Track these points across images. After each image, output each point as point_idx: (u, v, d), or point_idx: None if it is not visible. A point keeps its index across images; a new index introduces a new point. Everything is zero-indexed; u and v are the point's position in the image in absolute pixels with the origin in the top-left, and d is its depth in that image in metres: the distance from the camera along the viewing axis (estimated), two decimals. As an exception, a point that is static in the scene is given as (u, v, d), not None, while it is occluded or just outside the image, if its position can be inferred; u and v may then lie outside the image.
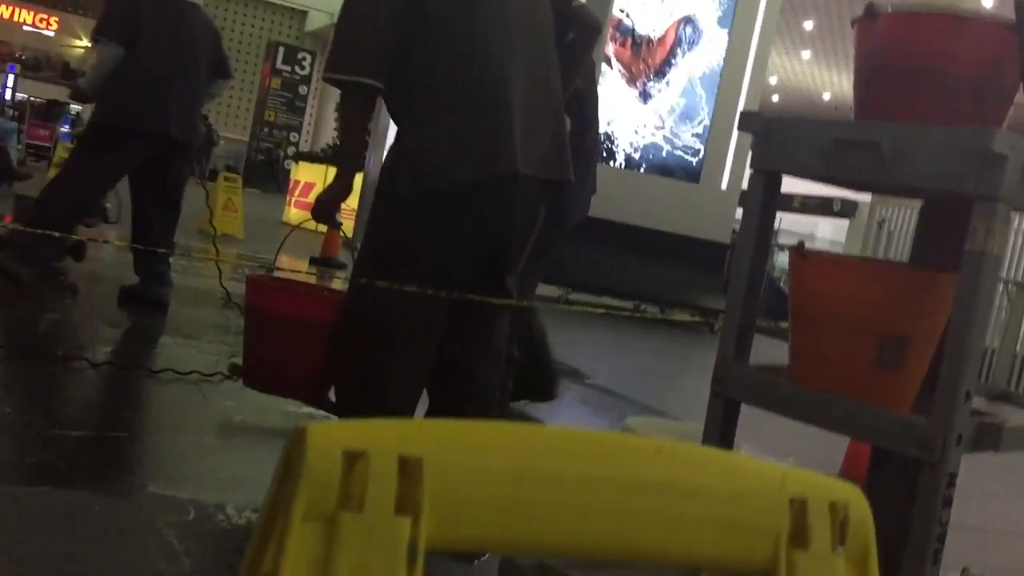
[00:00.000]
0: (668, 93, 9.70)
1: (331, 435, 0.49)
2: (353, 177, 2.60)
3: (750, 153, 2.42)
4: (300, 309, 2.72)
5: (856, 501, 0.57)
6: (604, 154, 9.38)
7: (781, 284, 11.28)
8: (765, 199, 2.43)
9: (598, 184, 4.12)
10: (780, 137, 2.37)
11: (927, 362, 2.32)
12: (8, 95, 18.87)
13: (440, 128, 2.41)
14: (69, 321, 4.81)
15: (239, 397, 3.49)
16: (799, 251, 2.51)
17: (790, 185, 2.97)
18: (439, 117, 2.42)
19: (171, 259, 5.08)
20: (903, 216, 13.25)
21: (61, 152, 10.06)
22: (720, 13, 9.71)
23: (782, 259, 13.32)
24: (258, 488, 2.60)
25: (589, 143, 4.02)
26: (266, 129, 24.58)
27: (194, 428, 3.28)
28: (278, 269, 3.66)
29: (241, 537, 2.30)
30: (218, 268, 4.84)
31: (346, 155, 2.62)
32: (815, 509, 0.55)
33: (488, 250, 2.52)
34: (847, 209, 16.50)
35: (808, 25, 21.79)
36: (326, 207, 2.62)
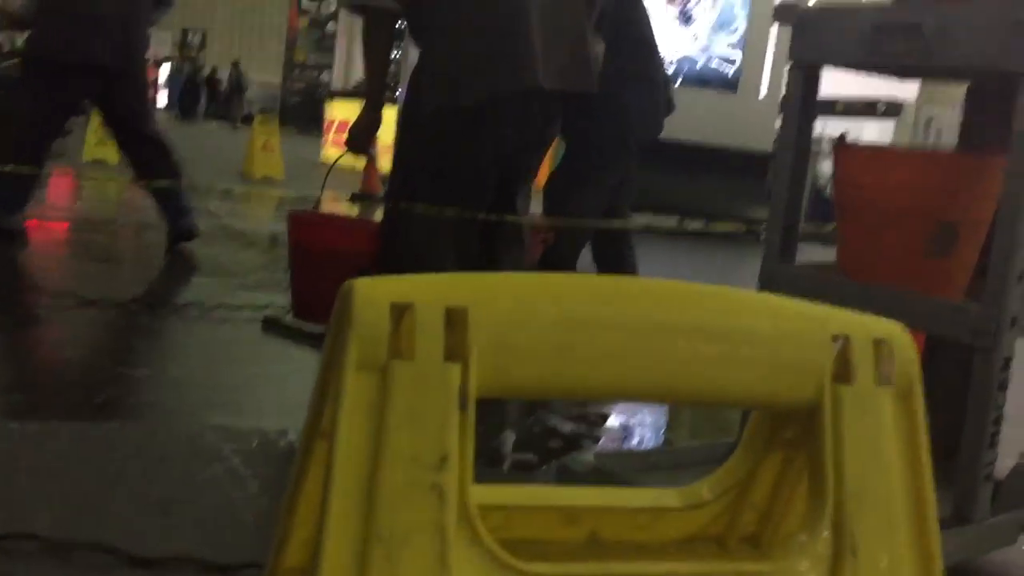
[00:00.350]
0: (704, 5, 9.48)
1: (378, 289, 0.50)
2: (382, 105, 2.60)
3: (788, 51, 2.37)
4: (342, 240, 2.76)
5: (899, 338, 0.57)
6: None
7: (827, 192, 11.10)
8: (806, 94, 2.38)
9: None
10: (818, 27, 2.31)
11: (978, 248, 2.28)
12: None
13: (461, 45, 2.40)
14: (120, 269, 4.91)
15: (291, 332, 3.58)
16: (842, 143, 2.47)
17: (831, 88, 2.91)
18: (459, 34, 2.40)
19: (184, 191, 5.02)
20: (950, 114, 12.92)
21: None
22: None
23: (826, 166, 13.08)
24: (251, 414, 2.68)
25: (651, 68, 4.03)
26: (297, 70, 24.52)
27: (252, 361, 3.35)
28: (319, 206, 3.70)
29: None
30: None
31: (372, 83, 2.62)
32: (858, 346, 0.56)
33: (506, 163, 2.51)
34: (892, 110, 16.07)
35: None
36: (359, 137, 2.63)
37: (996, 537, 2.06)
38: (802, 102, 2.39)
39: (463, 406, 0.49)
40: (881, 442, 0.55)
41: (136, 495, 2.03)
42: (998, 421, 2.04)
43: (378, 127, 2.62)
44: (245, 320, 3.78)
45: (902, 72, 2.55)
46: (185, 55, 30.96)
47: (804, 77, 2.39)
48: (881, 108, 16.13)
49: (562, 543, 0.59)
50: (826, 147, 13.12)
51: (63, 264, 4.92)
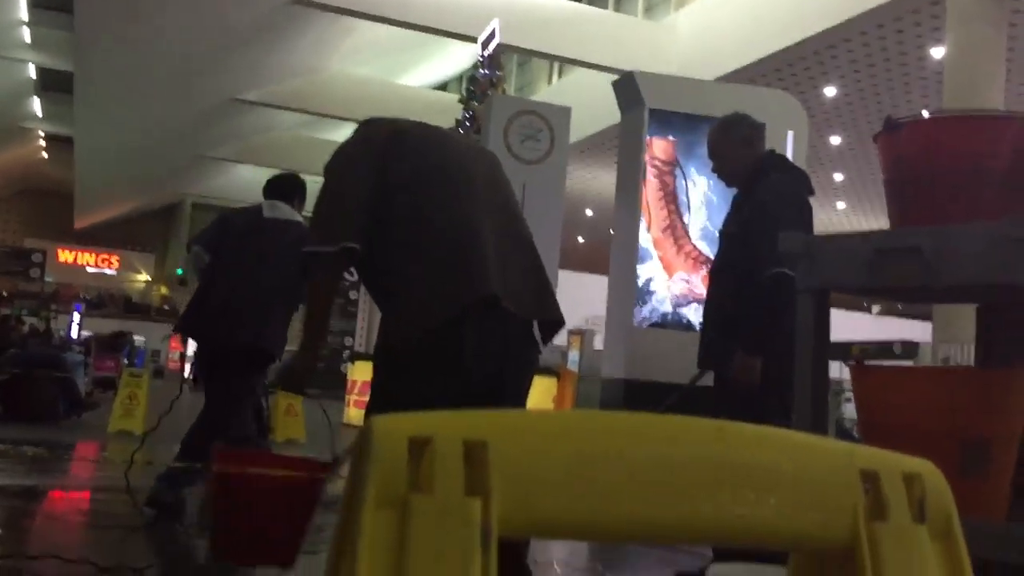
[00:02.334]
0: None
1: (397, 424, 0.50)
2: (320, 349, 2.75)
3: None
4: (264, 476, 2.84)
5: (930, 473, 0.55)
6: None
7: (853, 433, 10.96)
8: (817, 317, 2.42)
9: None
10: (822, 255, 2.39)
11: (1012, 464, 2.23)
12: (75, 332, 19.64)
13: (422, 281, 2.57)
14: (137, 536, 4.82)
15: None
16: (859, 365, 2.48)
17: (847, 333, 2.97)
18: (421, 273, 2.58)
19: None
20: (967, 352, 12.99)
21: (126, 380, 10.34)
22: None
23: (849, 409, 13.00)
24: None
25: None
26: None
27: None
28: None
29: None
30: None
31: (317, 326, 2.76)
32: (888, 482, 0.54)
33: (484, 386, 2.58)
34: (908, 351, 16.19)
35: (838, 177, 22.26)
36: (295, 378, 2.78)
37: None
38: (815, 326, 2.43)
39: (485, 542, 0.48)
40: (925, 581, 0.52)
41: None
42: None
43: (314, 370, 2.75)
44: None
45: (907, 297, 2.60)
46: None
47: (814, 302, 2.44)
48: (897, 349, 16.27)
49: None
50: (847, 387, 13.09)
51: (81, 532, 4.84)
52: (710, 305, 4.43)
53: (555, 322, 2.78)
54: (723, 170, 4.33)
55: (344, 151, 2.75)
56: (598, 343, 15.79)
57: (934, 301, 3.35)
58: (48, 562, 3.68)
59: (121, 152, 28.58)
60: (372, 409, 2.71)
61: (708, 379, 4.54)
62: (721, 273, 4.31)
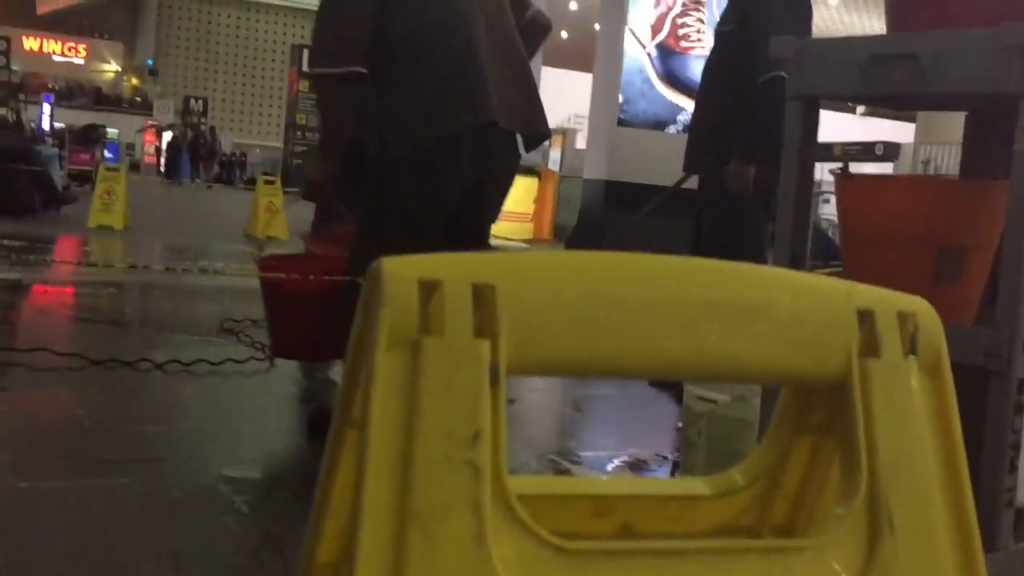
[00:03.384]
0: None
1: (406, 267, 0.50)
2: (339, 156, 2.78)
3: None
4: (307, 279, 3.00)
5: (923, 311, 0.57)
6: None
7: (829, 234, 11.13)
8: (805, 127, 2.40)
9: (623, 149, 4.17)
10: (815, 60, 2.34)
11: (986, 272, 2.28)
12: (46, 124, 19.21)
13: (421, 90, 2.59)
14: (126, 331, 4.92)
15: (293, 381, 3.62)
16: (845, 174, 2.48)
17: (828, 134, 2.96)
18: (419, 81, 2.59)
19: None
20: (948, 153, 13.01)
21: (103, 175, 10.22)
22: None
23: (827, 209, 13.13)
24: (254, 462, 2.67)
25: None
26: (299, 133, 24.79)
27: (261, 414, 3.35)
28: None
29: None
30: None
31: (333, 137, 2.81)
32: (883, 320, 0.56)
33: (471, 200, 2.68)
34: (890, 152, 16.19)
35: (832, -31, 21.48)
36: (319, 187, 2.87)
37: (1020, 565, 2.02)
38: (802, 134, 2.41)
39: (494, 382, 0.49)
40: (912, 415, 0.55)
41: (148, 549, 2.01)
42: (1016, 446, 2.02)
43: (333, 176, 2.82)
44: (252, 372, 3.79)
45: (900, 103, 2.58)
46: (187, 122, 31.32)
47: (803, 109, 2.41)
48: (879, 150, 16.25)
49: (594, 534, 0.59)
50: (826, 188, 13.20)
51: (70, 326, 4.92)
52: (701, 107, 4.35)
53: (541, 136, 2.84)
54: None
55: None
56: (580, 142, 15.66)
57: (926, 108, 3.33)
58: (40, 355, 3.77)
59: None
60: (364, 216, 2.77)
61: (692, 182, 4.54)
62: (714, 74, 4.20)
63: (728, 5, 4.20)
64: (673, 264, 0.54)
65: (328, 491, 0.55)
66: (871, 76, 2.23)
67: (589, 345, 0.52)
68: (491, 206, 2.83)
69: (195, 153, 28.36)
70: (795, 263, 2.44)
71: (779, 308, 0.55)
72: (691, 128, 4.64)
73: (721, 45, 4.17)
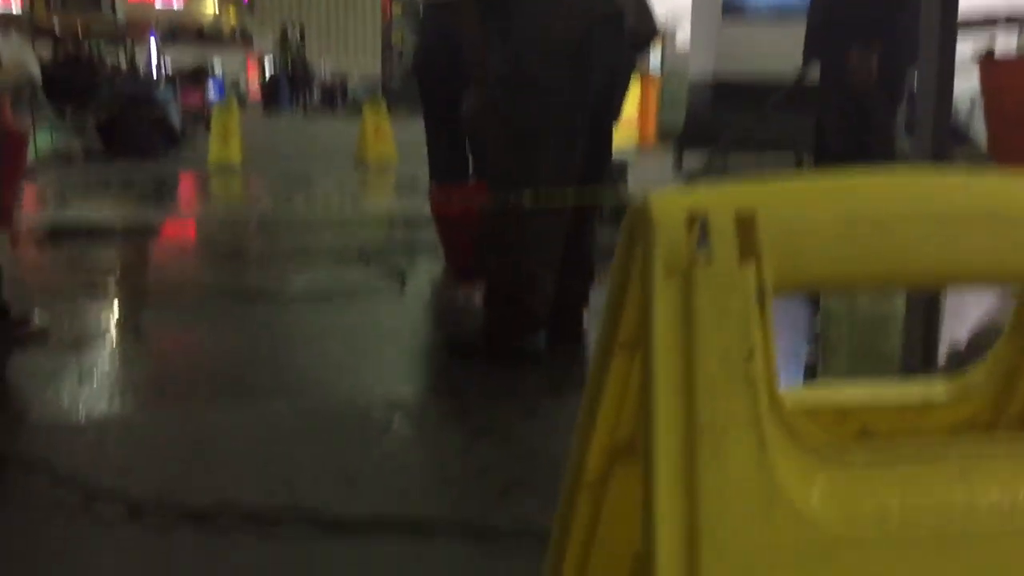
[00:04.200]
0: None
1: (672, 201, 0.53)
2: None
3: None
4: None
5: None
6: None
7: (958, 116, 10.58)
8: (945, 6, 2.30)
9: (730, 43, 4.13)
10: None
11: None
12: (155, 65, 19.71)
13: None
14: (259, 265, 5.12)
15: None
16: (988, 57, 2.38)
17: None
18: None
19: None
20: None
21: (218, 113, 10.50)
22: None
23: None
24: (404, 383, 2.77)
25: None
26: (396, 55, 24.84)
27: (397, 337, 3.47)
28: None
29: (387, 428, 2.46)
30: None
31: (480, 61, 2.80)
32: None
33: (604, 95, 2.73)
34: (1013, 23, 15.20)
35: None
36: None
37: None
38: (942, 15, 2.31)
39: (761, 303, 0.52)
40: None
41: (323, 469, 2.12)
42: None
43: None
44: (388, 299, 3.91)
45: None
46: (286, 50, 31.69)
47: (942, -10, 2.30)
48: (1002, 22, 15.27)
49: (836, 440, 0.62)
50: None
51: (202, 261, 5.16)
52: None
53: (651, 32, 2.86)
54: None
55: None
56: (680, 42, 15.17)
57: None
58: (186, 290, 3.98)
59: None
60: (505, 130, 2.75)
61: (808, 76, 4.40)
62: None
63: None
64: (926, 179, 0.56)
65: (595, 410, 0.60)
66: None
67: (846, 262, 0.54)
68: (619, 102, 2.86)
69: (293, 82, 28.73)
70: (939, 150, 2.37)
71: (1025, 213, 0.56)
72: (809, 13, 4.48)
73: None
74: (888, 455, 0.54)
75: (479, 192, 3.20)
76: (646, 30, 2.80)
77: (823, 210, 0.54)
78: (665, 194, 0.53)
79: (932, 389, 0.65)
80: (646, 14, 2.78)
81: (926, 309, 2.25)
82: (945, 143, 2.36)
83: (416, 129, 4.65)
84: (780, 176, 0.55)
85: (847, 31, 3.85)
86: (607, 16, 2.60)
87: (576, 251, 2.89)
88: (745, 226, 0.52)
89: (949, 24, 2.31)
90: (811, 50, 4.21)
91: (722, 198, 0.53)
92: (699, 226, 0.52)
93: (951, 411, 0.64)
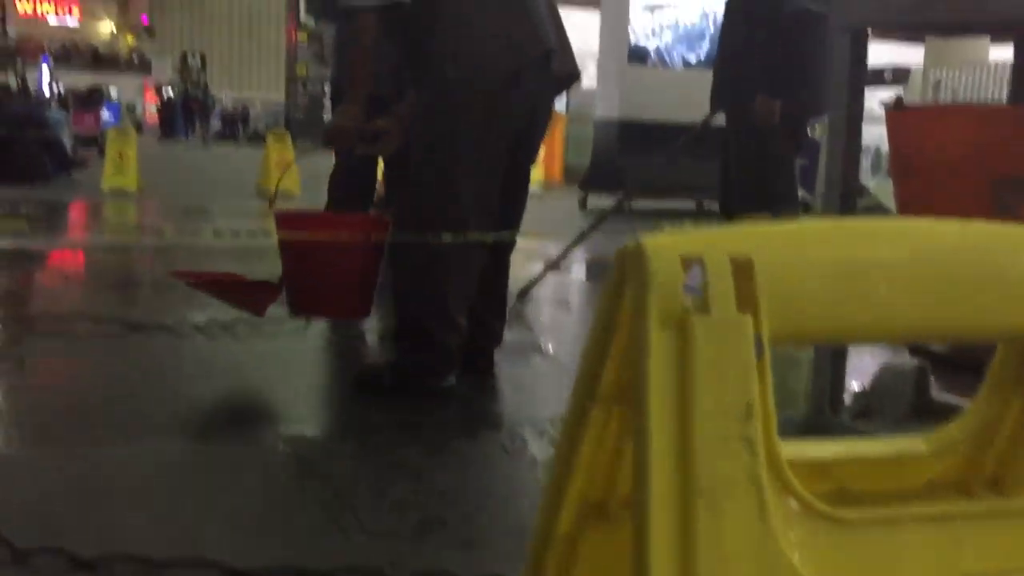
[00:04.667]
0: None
1: (667, 245, 0.50)
2: (366, 100, 2.70)
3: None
4: (327, 235, 2.97)
5: None
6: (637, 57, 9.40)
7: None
8: (854, 59, 2.37)
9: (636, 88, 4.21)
10: (864, -10, 2.30)
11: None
12: (46, 86, 19.04)
13: (479, 24, 2.58)
14: (153, 294, 4.93)
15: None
16: (897, 107, 2.45)
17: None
18: (483, 25, 2.58)
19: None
20: (959, 75, 12.81)
21: (114, 137, 10.17)
22: None
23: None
24: (309, 419, 2.69)
25: None
26: (300, 85, 24.59)
27: (314, 372, 3.37)
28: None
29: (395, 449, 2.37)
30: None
31: (363, 79, 2.72)
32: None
33: (522, 138, 2.69)
34: (899, 76, 15.96)
35: None
36: (344, 132, 2.77)
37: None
38: (851, 66, 2.38)
39: (759, 355, 0.49)
40: None
41: (219, 511, 2.02)
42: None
43: (357, 122, 2.75)
44: (291, 332, 3.79)
45: (949, 29, 2.54)
46: (186, 78, 31.05)
47: (852, 41, 2.37)
48: (888, 76, 16.00)
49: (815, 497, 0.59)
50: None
51: (95, 290, 4.94)
52: (726, 43, 4.32)
53: (572, 75, 2.83)
54: None
55: None
56: (586, 81, 15.38)
57: (980, 32, 3.28)
58: (78, 323, 3.79)
59: None
60: (419, 161, 2.69)
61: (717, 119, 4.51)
62: (737, 8, 4.17)
63: None
64: (925, 227, 0.54)
65: (571, 465, 0.55)
66: (923, 4, 2.20)
67: (845, 313, 0.52)
68: (538, 142, 2.84)
69: (191, 110, 28.14)
70: (845, 200, 2.42)
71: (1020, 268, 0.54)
72: (716, 65, 4.60)
73: None
74: (881, 514, 0.52)
75: (372, 224, 3.13)
76: (569, 71, 2.78)
77: (820, 257, 0.52)
78: (659, 238, 0.50)
79: (907, 445, 0.63)
80: (569, 55, 2.77)
81: (834, 351, 2.29)
82: (853, 192, 2.42)
83: (322, 163, 4.57)
84: (775, 222, 0.52)
85: (753, 84, 3.98)
86: (536, 57, 2.58)
87: (492, 289, 2.85)
88: (742, 272, 0.50)
89: (858, 72, 2.39)
90: (718, 101, 4.34)
91: (716, 243, 0.50)
92: (692, 271, 0.49)
93: (926, 468, 0.62)
